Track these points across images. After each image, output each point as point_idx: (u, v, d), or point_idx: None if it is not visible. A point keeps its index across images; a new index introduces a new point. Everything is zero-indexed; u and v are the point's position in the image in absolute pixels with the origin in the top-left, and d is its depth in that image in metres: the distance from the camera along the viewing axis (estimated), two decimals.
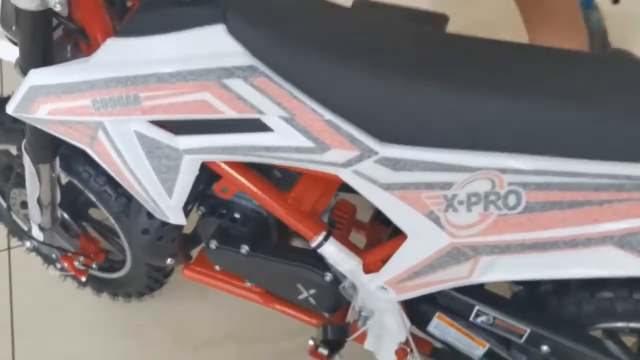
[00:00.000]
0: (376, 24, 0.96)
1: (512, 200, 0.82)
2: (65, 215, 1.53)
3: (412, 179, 0.86)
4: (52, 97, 0.99)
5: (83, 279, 1.59)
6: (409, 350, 1.17)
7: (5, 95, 1.28)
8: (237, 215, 1.22)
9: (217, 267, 1.33)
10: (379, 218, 1.30)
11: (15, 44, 1.05)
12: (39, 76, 0.99)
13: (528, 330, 1.03)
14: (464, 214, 0.86)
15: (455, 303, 1.08)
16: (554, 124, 0.77)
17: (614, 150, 0.76)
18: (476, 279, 0.93)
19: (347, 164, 0.89)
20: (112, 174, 1.08)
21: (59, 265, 1.60)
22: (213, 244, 1.22)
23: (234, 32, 0.88)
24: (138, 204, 1.17)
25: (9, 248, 1.97)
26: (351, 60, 0.86)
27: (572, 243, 0.82)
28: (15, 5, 0.94)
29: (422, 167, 0.85)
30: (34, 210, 1.38)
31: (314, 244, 1.09)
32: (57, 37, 1.06)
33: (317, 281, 1.16)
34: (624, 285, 0.99)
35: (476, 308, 1.06)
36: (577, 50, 0.91)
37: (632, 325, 1.01)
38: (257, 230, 1.22)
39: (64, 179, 1.42)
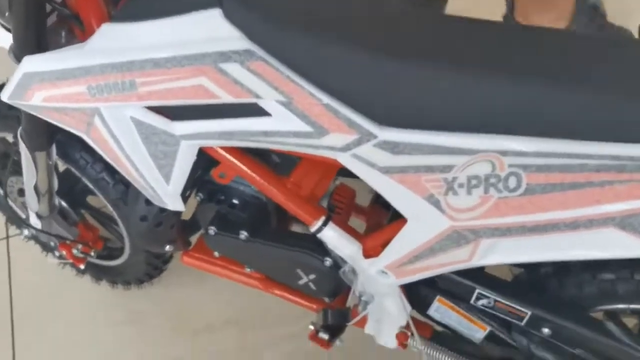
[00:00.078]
0: (375, 6, 0.95)
1: (512, 182, 0.81)
2: (63, 203, 1.52)
3: (411, 162, 0.86)
4: (47, 84, 0.98)
5: (82, 266, 1.59)
6: (409, 334, 1.17)
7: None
8: (235, 201, 1.21)
9: (216, 253, 1.32)
10: (379, 202, 1.29)
11: (8, 30, 1.04)
12: (34, 63, 0.98)
13: (529, 313, 1.03)
14: (464, 197, 0.86)
15: (456, 286, 1.07)
16: (554, 105, 0.76)
17: (616, 131, 0.75)
18: (477, 262, 0.92)
19: (346, 148, 0.89)
20: (109, 160, 1.08)
21: (57, 253, 1.60)
22: (212, 230, 1.21)
23: (230, 16, 0.87)
24: (136, 191, 1.17)
25: (7, 237, 1.97)
26: (350, 43, 0.85)
27: (573, 225, 0.82)
28: None
29: (422, 150, 0.84)
30: (31, 198, 1.38)
31: (313, 229, 1.09)
32: (51, 23, 1.05)
33: (316, 266, 1.16)
34: (625, 267, 0.99)
35: (477, 291, 1.06)
36: (577, 32, 0.90)
37: (634, 306, 1.01)
38: (256, 216, 1.22)
39: (62, 166, 1.41)
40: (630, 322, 1.13)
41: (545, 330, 1.04)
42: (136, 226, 1.24)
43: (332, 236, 1.08)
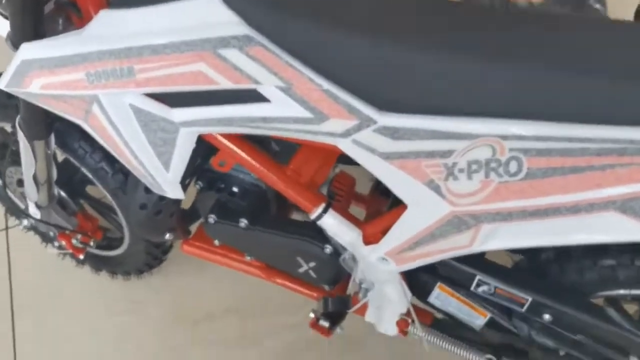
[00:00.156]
0: None
1: (513, 166, 0.81)
2: (62, 193, 1.52)
3: (411, 148, 0.85)
4: (45, 71, 0.98)
5: (81, 256, 1.59)
6: (410, 321, 1.17)
7: None
8: (235, 189, 1.21)
9: (216, 242, 1.32)
10: (379, 189, 1.29)
11: (6, 17, 1.03)
12: (31, 50, 0.98)
13: (529, 299, 1.03)
14: (464, 182, 0.85)
15: (456, 273, 1.07)
16: (554, 88, 0.76)
17: (616, 114, 0.75)
18: (477, 247, 0.92)
19: (346, 134, 0.88)
20: (108, 148, 1.07)
21: (57, 244, 1.60)
22: (212, 219, 1.21)
23: (229, 1, 0.86)
24: (135, 179, 1.16)
25: (6, 228, 1.97)
26: (349, 27, 0.84)
27: (574, 209, 0.81)
28: None
29: (422, 135, 0.84)
30: (30, 187, 1.37)
31: (313, 216, 1.08)
32: (48, 10, 1.04)
33: (317, 254, 1.16)
34: (626, 252, 0.99)
35: (477, 278, 1.05)
36: (574, 14, 0.90)
37: (634, 292, 1.01)
38: (256, 204, 1.21)
39: (61, 156, 1.41)
40: (630, 308, 1.13)
41: (546, 317, 1.04)
42: (135, 215, 1.24)
43: (332, 223, 1.08)
